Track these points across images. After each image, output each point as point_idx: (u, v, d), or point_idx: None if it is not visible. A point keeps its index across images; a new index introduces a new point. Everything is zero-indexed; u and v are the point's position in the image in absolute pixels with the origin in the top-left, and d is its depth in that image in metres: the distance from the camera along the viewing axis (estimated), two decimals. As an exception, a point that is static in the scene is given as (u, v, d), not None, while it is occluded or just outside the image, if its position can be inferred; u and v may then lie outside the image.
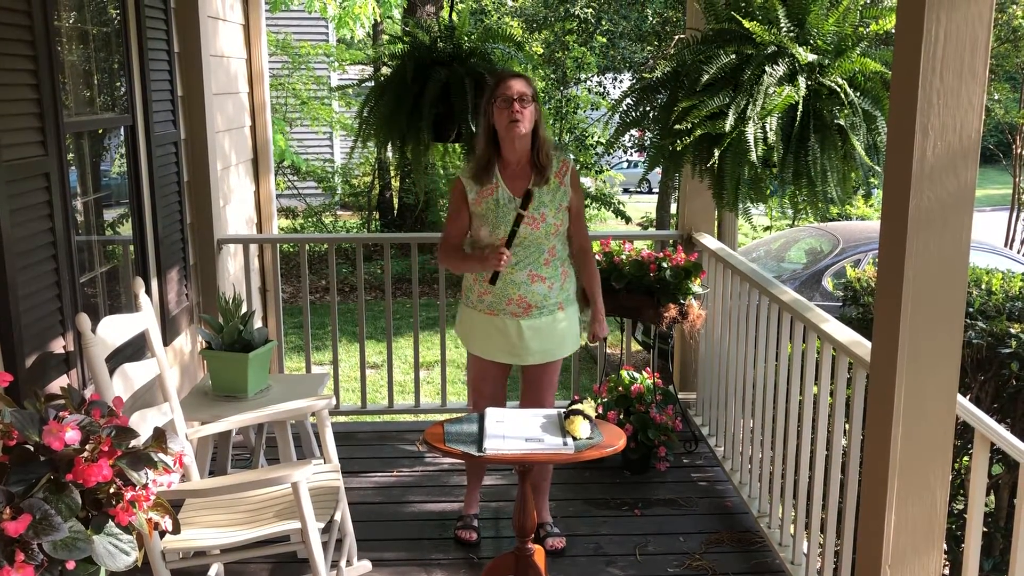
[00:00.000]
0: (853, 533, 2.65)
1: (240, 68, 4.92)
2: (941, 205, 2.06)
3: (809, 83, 2.86)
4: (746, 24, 2.84)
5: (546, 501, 3.43)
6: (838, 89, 2.84)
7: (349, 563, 3.11)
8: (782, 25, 2.89)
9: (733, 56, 2.85)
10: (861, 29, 2.95)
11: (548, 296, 3.16)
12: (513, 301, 3.14)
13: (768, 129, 2.78)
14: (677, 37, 3.25)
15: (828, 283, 6.89)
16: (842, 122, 2.83)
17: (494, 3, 13.93)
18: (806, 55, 2.85)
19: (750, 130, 2.76)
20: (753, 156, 2.76)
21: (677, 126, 2.83)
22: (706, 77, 2.82)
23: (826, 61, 2.89)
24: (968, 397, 3.35)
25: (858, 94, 2.89)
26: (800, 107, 2.82)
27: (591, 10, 12.00)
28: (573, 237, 3.27)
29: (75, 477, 1.67)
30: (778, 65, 2.82)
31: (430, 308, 9.65)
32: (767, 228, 12.67)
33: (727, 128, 2.76)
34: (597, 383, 4.22)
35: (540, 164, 3.13)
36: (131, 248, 3.64)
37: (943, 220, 2.06)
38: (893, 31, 2.25)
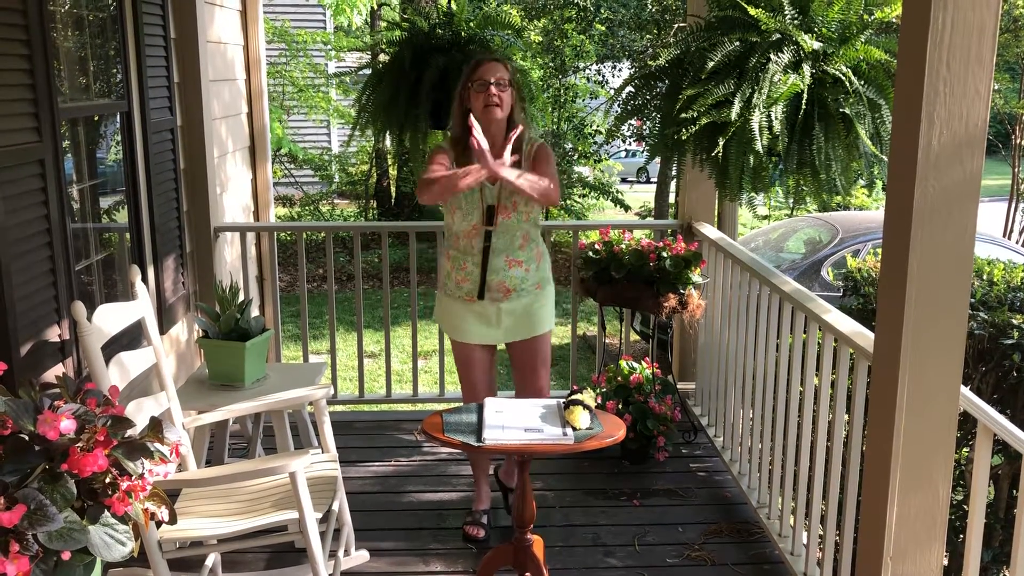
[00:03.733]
0: (854, 524, 2.64)
1: (237, 55, 4.88)
2: (946, 195, 2.03)
3: (813, 71, 2.84)
4: (751, 11, 2.81)
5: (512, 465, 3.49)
6: (842, 77, 2.82)
7: (347, 553, 3.09)
8: (786, 12, 2.86)
9: (738, 43, 2.83)
10: (865, 16, 2.92)
11: (525, 279, 3.20)
12: (492, 287, 3.16)
13: (774, 117, 2.75)
14: (677, 25, 3.22)
15: (828, 273, 6.88)
16: (847, 111, 2.81)
17: (493, -10, 13.86)
18: (811, 43, 2.83)
19: (756, 119, 2.73)
20: (759, 145, 2.74)
21: (683, 114, 2.81)
22: (711, 64, 2.79)
23: (830, 49, 2.86)
24: (969, 388, 3.34)
25: (862, 82, 2.87)
26: (804, 95, 2.80)
27: (590, -2, 11.95)
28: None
29: (70, 467, 1.65)
30: (783, 53, 2.79)
31: (428, 297, 9.64)
32: (765, 217, 12.66)
33: (733, 116, 2.73)
34: (596, 373, 4.20)
35: (513, 149, 3.06)
36: (127, 236, 3.61)
37: (948, 210, 2.04)
38: (897, 19, 2.22)
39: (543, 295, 3.25)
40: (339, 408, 4.78)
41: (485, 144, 2.90)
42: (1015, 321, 3.60)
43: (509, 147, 2.95)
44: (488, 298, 3.18)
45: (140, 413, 2.47)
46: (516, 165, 3.09)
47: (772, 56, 2.79)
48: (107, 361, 2.43)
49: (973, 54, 1.97)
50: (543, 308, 3.26)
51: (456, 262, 3.20)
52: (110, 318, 2.54)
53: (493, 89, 3.02)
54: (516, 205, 3.11)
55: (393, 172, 13.46)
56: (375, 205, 13.23)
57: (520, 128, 3.06)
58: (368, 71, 4.14)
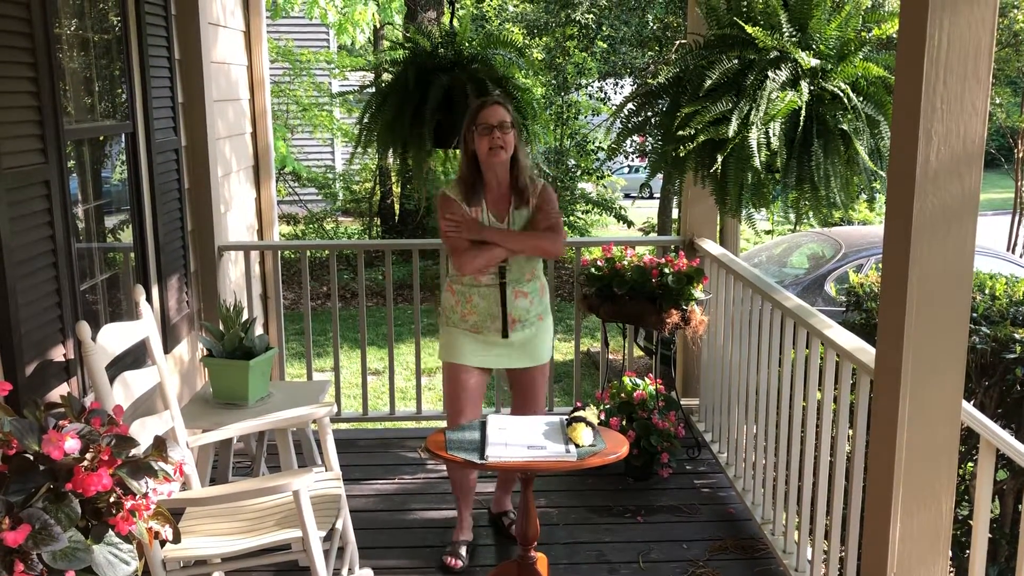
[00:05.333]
0: (858, 540, 2.63)
1: (241, 75, 4.91)
2: (945, 210, 2.05)
3: (812, 88, 2.85)
4: (748, 29, 2.83)
5: (511, 491, 3.58)
6: (841, 94, 2.83)
7: (351, 571, 3.09)
8: (784, 30, 2.88)
9: (736, 61, 2.85)
10: (863, 34, 2.94)
11: (530, 310, 3.26)
12: (499, 318, 3.20)
13: (771, 134, 2.77)
14: (678, 42, 3.25)
15: (831, 288, 6.88)
16: (845, 127, 2.82)
17: (495, 9, 13.94)
18: (809, 60, 2.84)
19: (753, 135, 2.75)
20: (756, 161, 2.75)
21: (680, 132, 2.82)
22: (709, 82, 2.81)
23: (828, 66, 2.88)
24: (972, 403, 3.34)
25: (861, 99, 2.88)
26: (803, 112, 2.81)
27: (592, 16, 12.01)
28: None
29: (75, 486, 1.66)
30: (781, 70, 2.81)
31: (431, 314, 9.64)
32: (768, 232, 12.67)
33: (730, 133, 2.75)
34: (599, 389, 4.20)
35: (519, 188, 3.19)
36: (131, 255, 3.63)
37: (947, 225, 2.05)
38: (895, 36, 2.24)
39: (544, 326, 3.33)
40: (343, 426, 4.78)
41: (464, 216, 3.11)
42: (1017, 335, 3.60)
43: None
44: (493, 330, 3.22)
45: (144, 432, 2.48)
46: (525, 205, 3.20)
47: (769, 73, 2.81)
48: (111, 380, 2.44)
49: (970, 71, 1.99)
50: (544, 341, 3.33)
51: (462, 296, 3.24)
52: (114, 337, 2.55)
53: (497, 133, 3.08)
54: None
55: (396, 190, 13.50)
56: (379, 223, 13.27)
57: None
58: (371, 90, 4.17)
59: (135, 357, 3.20)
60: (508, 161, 3.16)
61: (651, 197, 18.03)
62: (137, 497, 1.74)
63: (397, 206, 13.52)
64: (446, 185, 3.32)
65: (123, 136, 3.55)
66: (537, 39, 12.60)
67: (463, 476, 3.34)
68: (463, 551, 3.32)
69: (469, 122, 3.16)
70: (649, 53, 12.37)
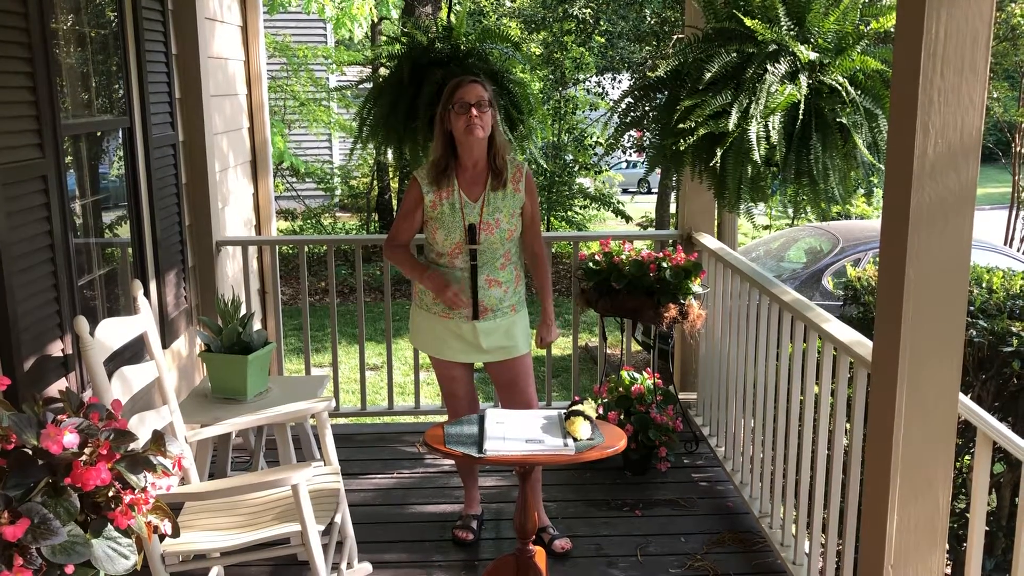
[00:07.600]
0: (855, 533, 2.64)
1: (238, 70, 4.90)
2: (942, 203, 2.05)
3: (810, 81, 2.86)
4: (747, 22, 2.83)
5: (541, 504, 3.41)
6: (839, 87, 2.84)
7: (350, 565, 3.09)
8: (782, 23, 2.88)
9: (735, 54, 2.84)
10: (861, 27, 2.94)
11: (503, 299, 3.19)
12: (469, 303, 3.16)
13: (771, 128, 2.77)
14: (676, 36, 3.24)
15: (828, 282, 6.88)
16: (844, 120, 2.82)
17: (492, 4, 13.93)
18: (807, 53, 2.84)
19: (753, 129, 2.75)
20: (756, 155, 2.75)
21: (680, 125, 2.82)
22: (708, 75, 2.80)
23: (827, 59, 2.88)
24: (970, 396, 3.34)
25: (859, 92, 2.88)
26: (801, 106, 2.81)
27: (589, 10, 12.01)
28: (527, 243, 3.28)
29: (73, 481, 1.66)
30: (779, 63, 2.81)
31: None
32: (766, 227, 12.68)
33: (730, 127, 2.75)
34: (597, 384, 4.21)
35: (496, 168, 3.13)
36: (129, 250, 3.63)
37: (944, 218, 2.05)
38: (893, 29, 2.25)
39: (519, 318, 3.26)
40: (341, 421, 4.78)
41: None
42: (1014, 328, 3.60)
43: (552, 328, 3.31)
44: (463, 315, 3.17)
45: (143, 427, 2.48)
46: (502, 187, 3.14)
47: (769, 67, 2.81)
48: (110, 375, 2.44)
49: (967, 63, 1.99)
50: (520, 331, 3.26)
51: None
52: (112, 332, 2.55)
53: (474, 110, 3.02)
54: (499, 222, 3.13)
55: (395, 185, 13.49)
56: (376, 218, 13.26)
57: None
58: (368, 85, 4.17)
59: (133, 352, 3.20)
60: (485, 141, 3.10)
61: (649, 192, 18.03)
62: (136, 491, 1.74)
63: (395, 201, 13.51)
64: (417, 169, 3.29)
65: (120, 131, 3.55)
66: (534, 34, 12.60)
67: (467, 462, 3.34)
68: (473, 524, 3.42)
69: (445, 101, 3.09)
70: (646, 48, 12.37)
